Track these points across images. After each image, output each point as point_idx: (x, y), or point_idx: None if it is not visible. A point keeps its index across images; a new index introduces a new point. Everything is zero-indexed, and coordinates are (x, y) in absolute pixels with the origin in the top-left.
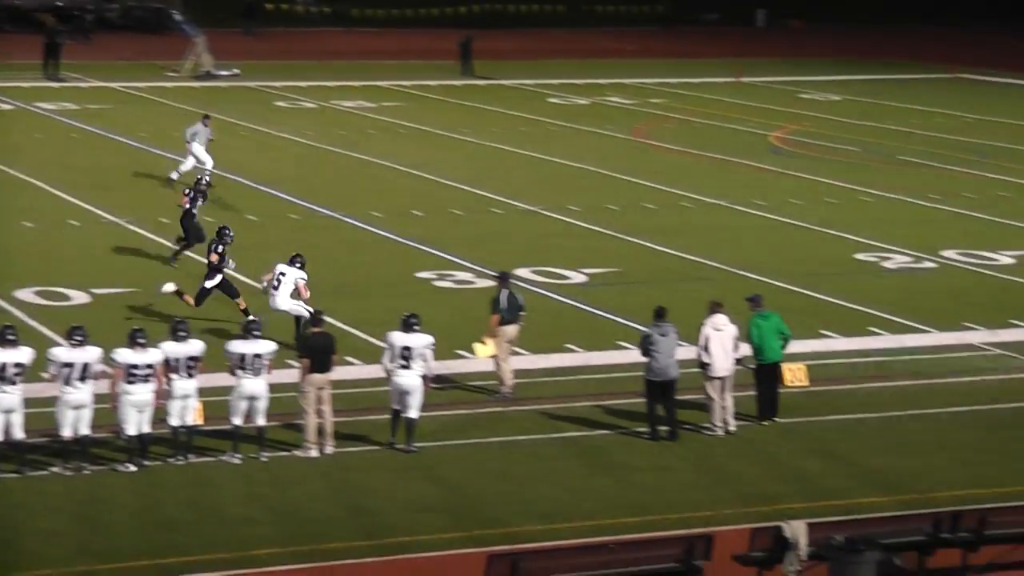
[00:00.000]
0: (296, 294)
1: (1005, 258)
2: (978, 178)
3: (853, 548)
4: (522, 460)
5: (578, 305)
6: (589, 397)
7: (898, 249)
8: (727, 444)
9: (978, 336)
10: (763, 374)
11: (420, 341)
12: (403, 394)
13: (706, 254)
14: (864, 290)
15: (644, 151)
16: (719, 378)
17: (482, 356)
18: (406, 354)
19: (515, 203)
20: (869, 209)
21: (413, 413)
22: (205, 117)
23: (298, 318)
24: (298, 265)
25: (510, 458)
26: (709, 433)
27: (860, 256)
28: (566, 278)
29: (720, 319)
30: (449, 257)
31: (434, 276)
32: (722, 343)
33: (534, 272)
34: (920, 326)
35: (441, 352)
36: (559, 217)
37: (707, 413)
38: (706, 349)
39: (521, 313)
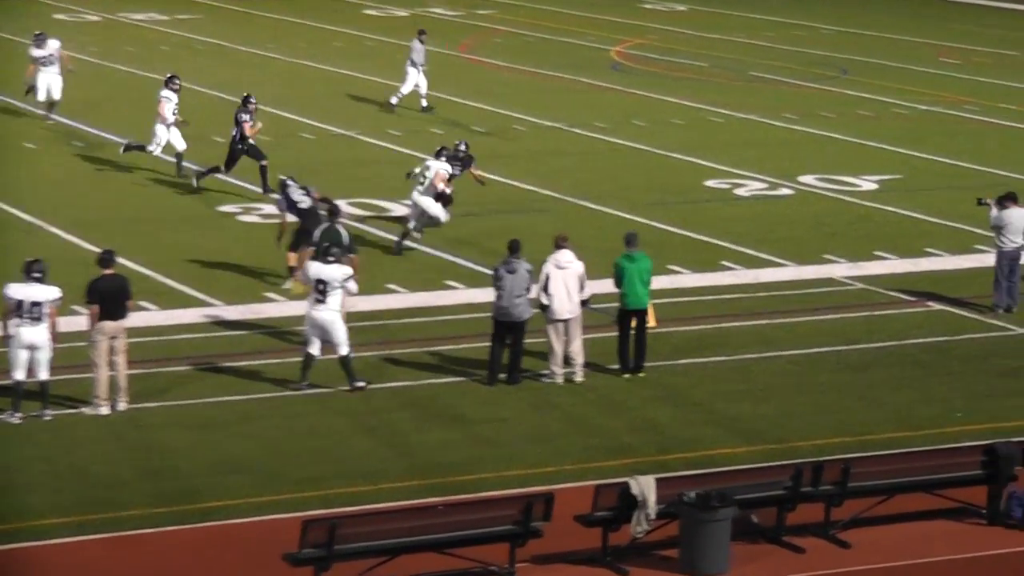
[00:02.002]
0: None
1: (867, 183)
2: (838, 96)
3: (707, 505)
4: (342, 413)
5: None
6: (417, 342)
7: (751, 175)
8: (571, 393)
9: (839, 269)
10: (625, 321)
11: (336, 272)
12: (324, 330)
13: (543, 182)
14: (715, 220)
15: (471, 69)
16: (561, 320)
17: (297, 296)
18: (322, 287)
19: (328, 127)
20: (719, 131)
21: (343, 350)
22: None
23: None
24: (444, 158)
25: (328, 411)
26: (547, 380)
27: (710, 183)
28: (386, 210)
29: (564, 255)
30: (256, 189)
31: (239, 210)
32: (565, 282)
33: (351, 204)
34: (777, 259)
35: (246, 294)
36: (377, 143)
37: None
38: (546, 289)
39: (335, 251)
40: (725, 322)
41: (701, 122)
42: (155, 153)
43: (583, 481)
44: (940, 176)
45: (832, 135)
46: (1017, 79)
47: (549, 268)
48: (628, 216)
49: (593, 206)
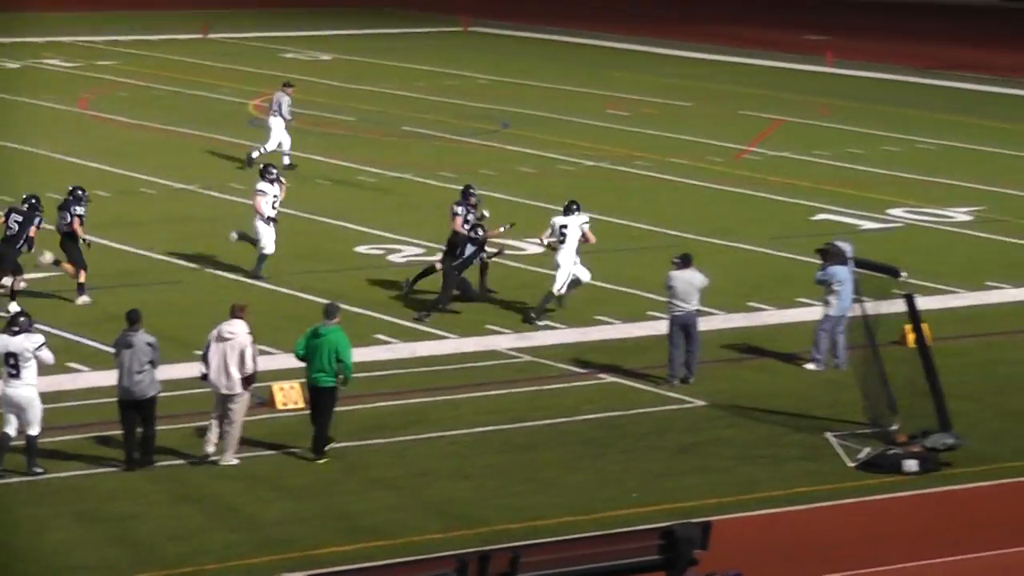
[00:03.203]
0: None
1: (531, 246)
2: (498, 151)
3: None
4: None
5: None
6: (53, 430)
7: (407, 239)
8: (220, 478)
9: (505, 341)
10: (312, 397)
11: (25, 343)
12: (20, 408)
13: (174, 250)
14: (367, 290)
15: (93, 126)
16: (222, 395)
17: None
18: (12, 361)
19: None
20: (369, 193)
21: (34, 429)
22: None
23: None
24: (575, 209)
25: None
26: (196, 461)
27: (362, 249)
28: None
29: (230, 325)
30: None
31: None
32: (224, 353)
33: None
34: (436, 331)
35: None
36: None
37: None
38: (204, 358)
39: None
40: (380, 401)
41: (348, 182)
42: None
43: None
44: (610, 237)
45: (493, 194)
46: (688, 131)
47: (211, 336)
48: (273, 288)
49: (232, 276)
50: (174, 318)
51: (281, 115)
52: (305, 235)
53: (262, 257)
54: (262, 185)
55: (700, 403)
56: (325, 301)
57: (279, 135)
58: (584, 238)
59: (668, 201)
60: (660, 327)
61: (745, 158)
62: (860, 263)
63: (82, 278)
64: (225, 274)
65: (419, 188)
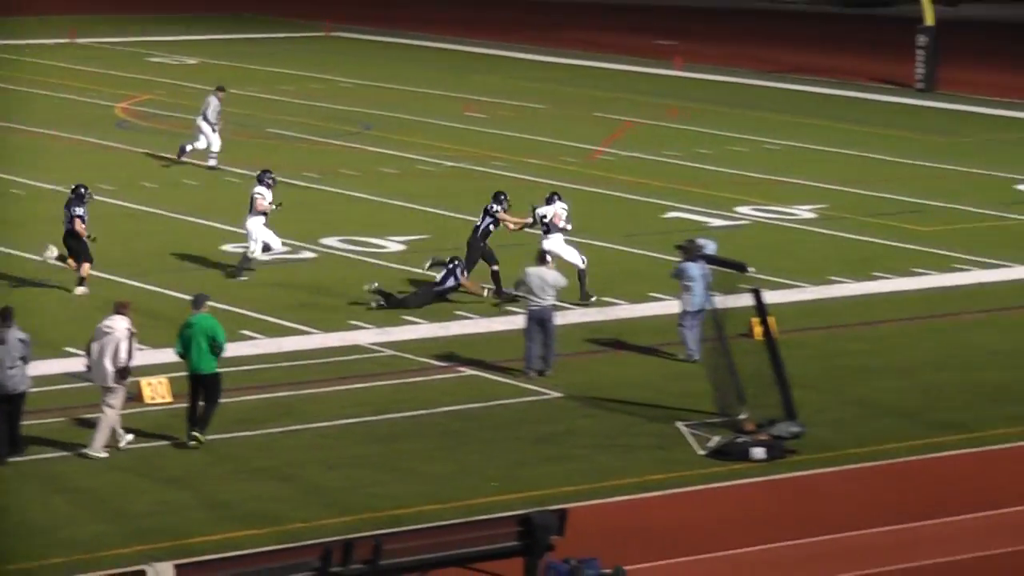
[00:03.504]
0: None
1: (394, 244)
2: (360, 153)
3: None
4: None
5: None
6: None
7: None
8: (89, 471)
9: (367, 336)
10: (193, 386)
11: None
12: None
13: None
14: (233, 287)
15: None
16: (104, 387)
17: None
18: None
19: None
20: (236, 192)
21: None
22: None
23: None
24: (557, 198)
25: None
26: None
27: (228, 247)
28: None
29: (111, 320)
30: None
31: None
32: (102, 347)
33: None
34: (300, 327)
35: None
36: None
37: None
38: (87, 350)
39: None
40: (247, 395)
41: (216, 182)
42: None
43: (94, 572)
44: (468, 236)
45: (356, 194)
46: (543, 133)
47: (95, 331)
48: (141, 285)
49: (104, 275)
50: (46, 316)
51: (207, 118)
52: (172, 234)
53: (247, 259)
54: (260, 189)
55: (556, 395)
56: (190, 297)
57: (208, 136)
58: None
59: (524, 200)
60: (518, 321)
61: (598, 158)
62: (709, 259)
63: (84, 271)
64: (95, 273)
65: (284, 188)
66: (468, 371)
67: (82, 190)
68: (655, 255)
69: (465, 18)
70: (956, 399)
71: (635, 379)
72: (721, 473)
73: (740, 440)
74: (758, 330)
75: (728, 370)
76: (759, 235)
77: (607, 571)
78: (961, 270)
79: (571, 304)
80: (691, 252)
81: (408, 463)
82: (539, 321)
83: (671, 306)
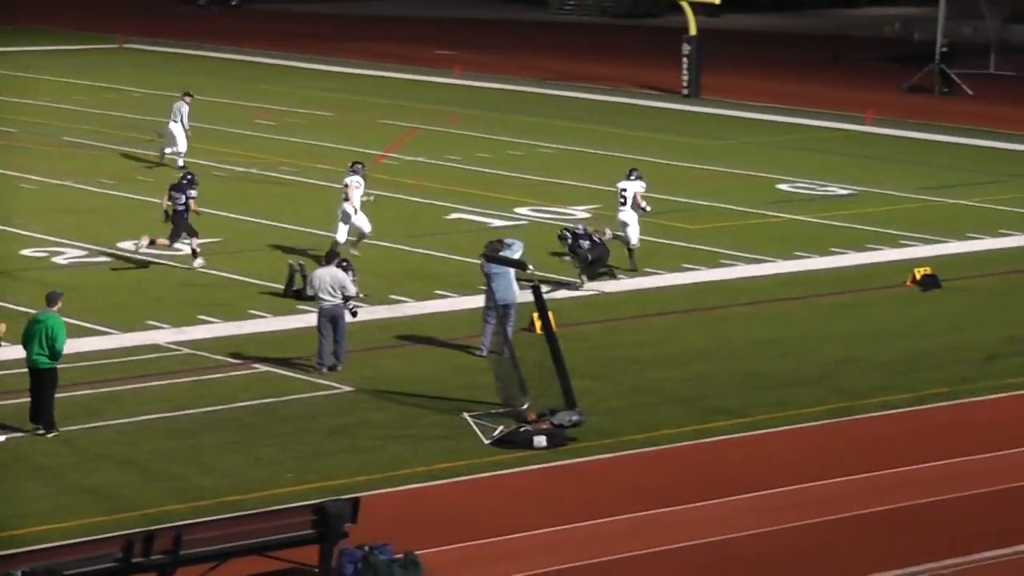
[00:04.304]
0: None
1: (186, 247)
2: (154, 159)
3: None
4: None
5: None
6: None
7: (69, 242)
8: None
9: (164, 335)
10: (31, 380)
11: None
12: None
13: None
14: (34, 289)
15: None
16: None
17: None
18: None
19: None
20: (33, 198)
21: None
22: None
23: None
24: (634, 177)
25: None
26: None
27: (27, 252)
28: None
29: None
30: None
31: None
32: None
33: None
34: (99, 327)
35: None
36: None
37: None
38: None
39: None
40: (77, 391)
41: (12, 189)
42: None
43: None
44: (261, 237)
45: (149, 199)
46: (331, 139)
47: None
48: None
49: None
50: None
51: (180, 122)
52: None
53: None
54: (355, 179)
55: (348, 389)
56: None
57: (179, 138)
58: (635, 201)
59: (313, 203)
60: (310, 319)
61: (384, 163)
62: (492, 259)
63: (195, 244)
64: None
65: (80, 194)
66: (263, 368)
67: (189, 176)
68: (439, 254)
69: (253, 31)
70: (726, 386)
71: (422, 373)
72: (506, 461)
73: (523, 429)
74: (539, 324)
75: (511, 362)
76: (536, 234)
77: (399, 556)
78: (728, 265)
79: (623, 273)
80: (492, 250)
81: (207, 456)
82: (330, 318)
83: (455, 303)
